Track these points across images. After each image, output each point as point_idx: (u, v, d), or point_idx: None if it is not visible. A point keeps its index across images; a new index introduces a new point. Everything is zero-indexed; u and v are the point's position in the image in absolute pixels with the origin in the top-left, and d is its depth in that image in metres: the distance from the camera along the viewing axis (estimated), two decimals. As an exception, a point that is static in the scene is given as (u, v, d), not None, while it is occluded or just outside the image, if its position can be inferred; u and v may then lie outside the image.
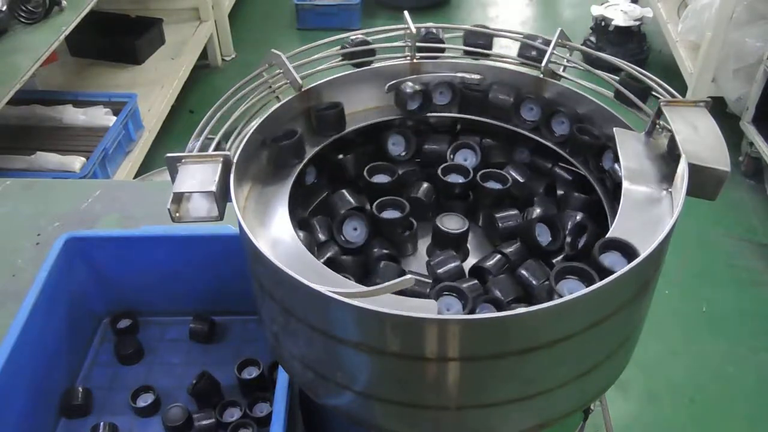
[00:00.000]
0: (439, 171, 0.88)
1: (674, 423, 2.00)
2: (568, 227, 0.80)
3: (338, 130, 0.88)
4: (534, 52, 0.89)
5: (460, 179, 0.88)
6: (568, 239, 0.80)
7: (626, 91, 0.82)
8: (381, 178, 0.88)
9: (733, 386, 2.07)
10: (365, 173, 0.87)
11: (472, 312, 0.67)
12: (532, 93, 0.89)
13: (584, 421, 0.96)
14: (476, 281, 0.76)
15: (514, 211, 0.86)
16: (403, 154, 0.92)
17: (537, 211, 0.87)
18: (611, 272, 0.61)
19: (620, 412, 2.00)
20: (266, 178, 0.81)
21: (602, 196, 0.80)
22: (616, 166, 0.78)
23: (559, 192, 0.89)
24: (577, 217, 0.81)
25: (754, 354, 2.16)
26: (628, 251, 0.65)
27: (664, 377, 2.09)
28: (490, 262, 0.79)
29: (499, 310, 0.69)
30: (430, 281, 0.78)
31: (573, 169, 0.88)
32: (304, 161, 0.84)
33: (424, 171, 0.93)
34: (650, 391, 2.05)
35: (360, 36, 0.91)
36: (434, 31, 0.93)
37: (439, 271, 0.77)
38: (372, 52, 0.92)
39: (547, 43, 0.88)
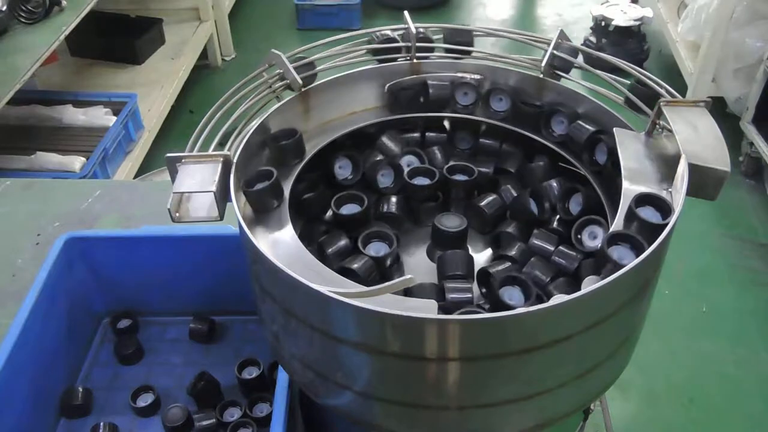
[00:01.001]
0: (405, 176, 0.87)
1: (674, 423, 1.99)
2: (557, 194, 0.85)
3: (299, 157, 0.84)
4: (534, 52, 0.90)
5: (426, 181, 0.87)
6: (559, 206, 0.84)
7: (637, 100, 0.81)
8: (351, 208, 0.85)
9: (733, 386, 2.07)
10: (333, 205, 0.84)
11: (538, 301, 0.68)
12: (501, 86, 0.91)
13: (584, 421, 0.96)
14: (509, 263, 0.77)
15: (493, 196, 0.88)
16: (350, 177, 0.88)
17: (511, 189, 0.89)
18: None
19: (620, 412, 2.00)
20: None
21: (601, 196, 0.80)
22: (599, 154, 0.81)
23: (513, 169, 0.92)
24: (555, 184, 0.86)
25: (754, 354, 2.15)
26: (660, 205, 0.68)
27: (664, 377, 2.09)
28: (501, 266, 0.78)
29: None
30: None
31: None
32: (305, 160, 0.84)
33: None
34: (650, 391, 2.05)
35: (387, 32, 0.91)
36: (422, 30, 0.92)
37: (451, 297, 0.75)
38: (398, 50, 0.91)
39: (547, 43, 0.88)
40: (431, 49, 0.93)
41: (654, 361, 2.11)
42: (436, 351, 0.61)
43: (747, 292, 2.35)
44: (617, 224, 0.69)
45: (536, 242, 0.81)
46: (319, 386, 0.73)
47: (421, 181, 0.87)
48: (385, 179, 0.89)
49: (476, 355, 0.62)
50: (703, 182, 0.70)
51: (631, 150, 0.76)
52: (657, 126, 0.79)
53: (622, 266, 0.61)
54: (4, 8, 2.22)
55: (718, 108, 2.77)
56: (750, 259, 2.47)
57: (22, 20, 2.28)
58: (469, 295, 0.74)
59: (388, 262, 0.78)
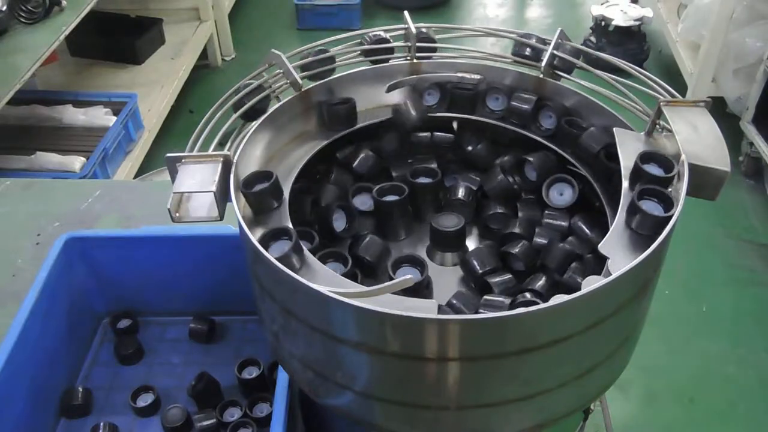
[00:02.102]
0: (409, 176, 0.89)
1: (674, 423, 1.99)
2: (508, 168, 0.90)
3: (349, 125, 0.88)
4: (533, 52, 0.89)
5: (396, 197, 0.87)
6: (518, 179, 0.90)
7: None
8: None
9: (733, 386, 2.07)
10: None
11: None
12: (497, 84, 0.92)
13: (584, 421, 0.96)
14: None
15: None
16: (345, 227, 0.86)
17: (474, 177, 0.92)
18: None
19: (620, 412, 2.00)
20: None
21: (601, 196, 0.80)
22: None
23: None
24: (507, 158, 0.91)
25: (754, 354, 2.15)
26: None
27: (664, 377, 2.09)
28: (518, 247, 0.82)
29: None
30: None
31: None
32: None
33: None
34: (650, 391, 2.05)
35: (379, 33, 0.91)
36: (424, 30, 0.92)
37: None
38: (391, 50, 0.91)
39: (547, 43, 0.88)
40: (433, 49, 0.93)
41: (654, 361, 2.11)
42: (435, 351, 0.61)
43: (747, 292, 2.35)
44: (617, 224, 0.69)
45: (527, 212, 0.86)
46: (319, 386, 0.73)
47: (391, 197, 0.86)
48: (338, 223, 0.85)
49: (476, 355, 0.62)
50: (703, 182, 0.70)
51: (631, 150, 0.76)
52: (657, 126, 0.79)
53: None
54: (4, 8, 2.22)
55: (718, 108, 2.77)
56: (750, 259, 2.47)
57: (22, 20, 2.28)
58: (513, 285, 0.78)
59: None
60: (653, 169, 0.71)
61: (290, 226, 0.72)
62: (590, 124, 0.84)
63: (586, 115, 0.86)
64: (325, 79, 0.89)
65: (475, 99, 0.92)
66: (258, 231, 0.73)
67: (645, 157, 0.72)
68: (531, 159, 0.87)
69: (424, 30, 0.92)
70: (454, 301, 0.75)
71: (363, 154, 0.91)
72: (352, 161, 0.91)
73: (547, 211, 0.85)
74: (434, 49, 0.92)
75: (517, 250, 0.81)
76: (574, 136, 0.84)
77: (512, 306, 0.71)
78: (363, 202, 0.89)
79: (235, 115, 0.80)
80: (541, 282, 0.77)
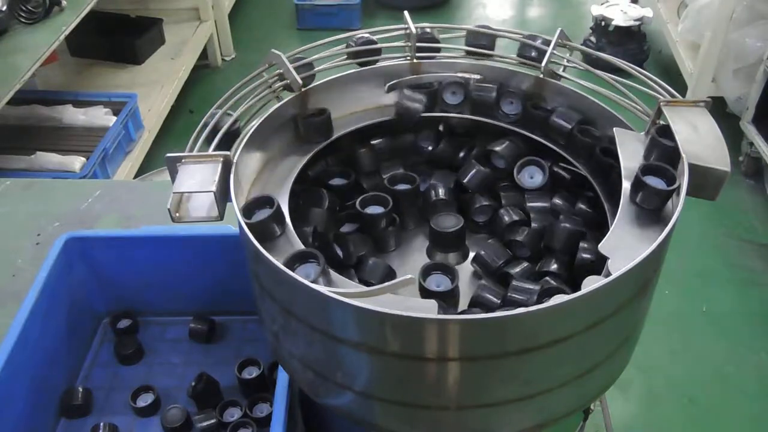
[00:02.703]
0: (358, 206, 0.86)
1: (674, 423, 1.99)
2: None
3: (326, 136, 0.86)
4: (534, 52, 0.89)
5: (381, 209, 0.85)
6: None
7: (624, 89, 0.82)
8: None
9: (733, 386, 2.07)
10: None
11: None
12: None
13: (584, 421, 0.96)
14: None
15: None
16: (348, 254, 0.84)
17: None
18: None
19: (620, 412, 2.00)
20: (266, 179, 0.81)
21: (601, 196, 0.80)
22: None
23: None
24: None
25: (754, 354, 2.16)
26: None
27: (664, 377, 2.09)
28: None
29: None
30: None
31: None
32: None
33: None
34: (650, 391, 2.05)
35: (365, 35, 0.91)
36: (428, 30, 0.92)
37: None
38: (377, 51, 0.91)
39: (547, 43, 0.88)
40: (433, 50, 0.93)
41: (654, 361, 2.11)
42: (436, 351, 0.61)
43: (747, 292, 2.35)
44: (617, 224, 0.69)
45: (510, 199, 0.88)
46: (319, 386, 0.73)
47: (375, 209, 0.85)
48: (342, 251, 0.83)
49: (476, 355, 0.62)
50: (703, 182, 0.70)
51: (631, 150, 0.76)
52: (657, 126, 0.79)
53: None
54: (4, 8, 2.22)
55: (718, 108, 2.77)
56: (750, 259, 2.47)
57: (22, 20, 2.28)
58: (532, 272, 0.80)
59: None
60: (654, 182, 0.71)
61: (311, 250, 0.69)
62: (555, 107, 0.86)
63: (586, 115, 0.86)
64: (325, 79, 0.89)
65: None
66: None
67: (646, 170, 0.72)
68: (498, 149, 0.88)
69: (428, 30, 0.92)
70: (483, 293, 0.74)
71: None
72: (326, 178, 0.89)
73: (526, 195, 0.87)
74: (438, 50, 0.93)
75: (522, 237, 0.83)
76: (542, 119, 0.86)
77: (542, 293, 0.71)
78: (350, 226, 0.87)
79: (211, 149, 0.76)
80: (554, 265, 0.78)
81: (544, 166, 0.87)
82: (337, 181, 0.90)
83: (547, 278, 0.76)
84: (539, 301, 0.69)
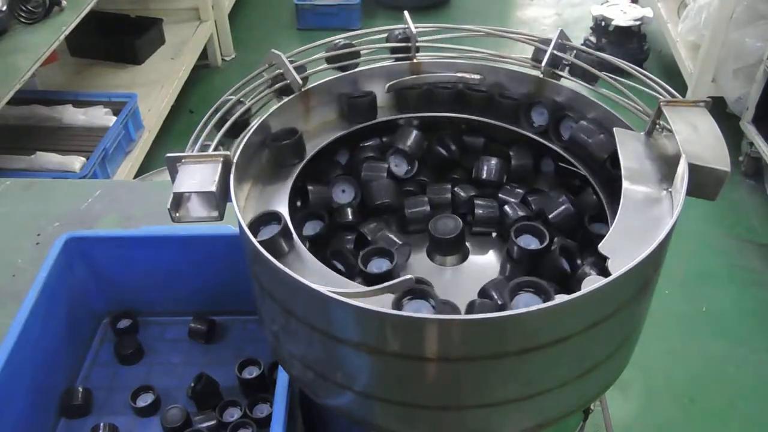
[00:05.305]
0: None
1: (674, 423, 1.99)
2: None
3: (300, 157, 0.84)
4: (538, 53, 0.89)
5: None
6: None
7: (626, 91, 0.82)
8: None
9: (733, 386, 2.07)
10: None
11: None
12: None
13: (584, 421, 0.96)
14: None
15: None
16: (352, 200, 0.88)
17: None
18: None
19: (620, 412, 2.00)
20: (266, 178, 0.81)
21: (601, 195, 0.80)
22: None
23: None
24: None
25: (754, 354, 2.16)
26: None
27: (664, 377, 2.09)
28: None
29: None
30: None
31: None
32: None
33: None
34: (650, 391, 2.05)
35: (343, 40, 0.90)
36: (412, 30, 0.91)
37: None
38: (356, 55, 0.90)
39: (547, 43, 0.88)
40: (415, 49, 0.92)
41: (654, 361, 2.11)
42: (435, 351, 0.61)
43: (747, 292, 2.35)
44: (617, 224, 0.69)
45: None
46: (319, 386, 0.73)
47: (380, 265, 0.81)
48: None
49: (476, 355, 0.62)
50: (703, 182, 0.70)
51: (631, 150, 0.76)
52: (657, 126, 0.79)
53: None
54: (4, 8, 2.22)
55: (718, 108, 2.77)
56: (750, 259, 2.47)
57: (22, 20, 2.28)
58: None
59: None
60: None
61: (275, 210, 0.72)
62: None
63: (586, 115, 0.86)
64: (325, 79, 0.89)
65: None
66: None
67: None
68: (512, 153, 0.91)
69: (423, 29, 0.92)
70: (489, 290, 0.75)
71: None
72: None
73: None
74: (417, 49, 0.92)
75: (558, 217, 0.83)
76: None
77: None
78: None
79: (219, 135, 0.77)
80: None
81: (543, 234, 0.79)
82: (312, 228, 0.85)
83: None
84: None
